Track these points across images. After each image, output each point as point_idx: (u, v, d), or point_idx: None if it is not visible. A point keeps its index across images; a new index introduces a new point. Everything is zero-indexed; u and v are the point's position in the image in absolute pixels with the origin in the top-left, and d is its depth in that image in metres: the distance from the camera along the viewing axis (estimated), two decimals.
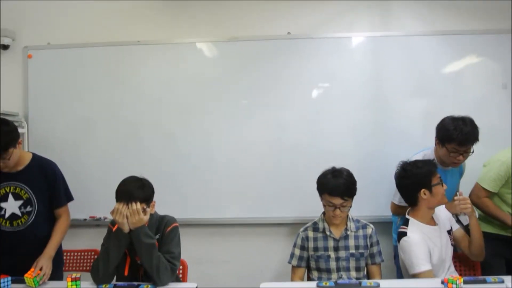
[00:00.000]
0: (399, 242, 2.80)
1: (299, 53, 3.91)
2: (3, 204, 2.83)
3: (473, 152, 3.08)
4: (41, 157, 2.98)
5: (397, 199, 3.16)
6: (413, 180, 2.82)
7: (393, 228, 3.44)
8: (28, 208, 2.83)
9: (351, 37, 3.94)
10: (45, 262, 2.68)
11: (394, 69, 3.87)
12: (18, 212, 2.83)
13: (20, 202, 2.83)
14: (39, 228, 2.83)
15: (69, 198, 3.04)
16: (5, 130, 2.70)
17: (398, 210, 3.22)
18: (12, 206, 2.82)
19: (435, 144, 3.22)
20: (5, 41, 4.02)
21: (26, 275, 2.55)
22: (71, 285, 2.59)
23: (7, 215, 2.82)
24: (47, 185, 2.87)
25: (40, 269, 2.62)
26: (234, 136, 3.93)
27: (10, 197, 2.82)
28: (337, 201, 2.83)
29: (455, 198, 2.85)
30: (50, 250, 2.78)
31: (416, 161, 2.94)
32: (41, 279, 2.58)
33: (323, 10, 3.98)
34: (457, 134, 3.00)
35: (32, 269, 2.60)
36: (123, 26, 4.05)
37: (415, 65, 3.87)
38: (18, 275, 2.72)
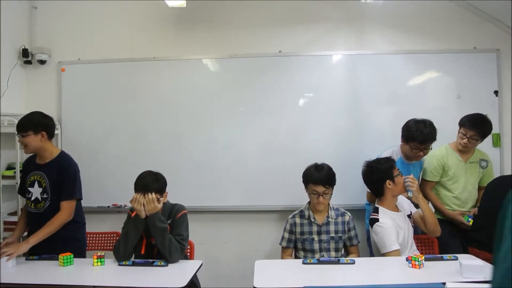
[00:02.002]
0: (371, 226, 2.79)
1: (288, 68, 3.90)
2: (31, 189, 2.87)
3: (431, 149, 3.14)
4: (66, 155, 2.94)
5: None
6: (379, 174, 2.85)
7: (366, 215, 3.44)
8: (45, 195, 2.84)
9: (332, 55, 3.93)
10: (16, 246, 2.60)
11: (367, 82, 3.87)
12: (39, 197, 2.85)
13: (41, 189, 2.85)
14: (53, 213, 2.81)
15: (74, 195, 2.84)
16: (35, 117, 2.83)
17: (372, 198, 3.24)
18: (36, 191, 2.85)
19: (401, 142, 3.26)
20: (43, 57, 3.99)
21: None
22: (97, 262, 2.58)
23: (32, 198, 2.86)
24: (59, 178, 2.84)
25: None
26: (234, 138, 3.91)
27: (36, 184, 2.85)
28: (320, 189, 2.85)
29: (405, 176, 2.89)
30: (30, 238, 2.67)
31: (378, 159, 2.98)
32: None
33: (308, 32, 3.97)
34: (418, 135, 3.07)
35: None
36: (141, 44, 4.03)
37: (385, 79, 3.86)
38: (40, 254, 2.75)
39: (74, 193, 2.85)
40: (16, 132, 2.83)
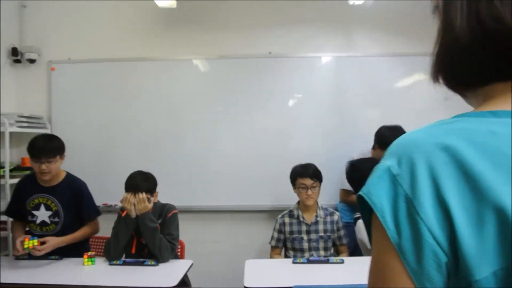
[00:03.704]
0: (356, 225, 2.81)
1: (278, 69, 3.91)
2: (36, 212, 2.76)
3: None
4: (73, 176, 2.87)
5: (346, 186, 3.17)
6: (364, 172, 2.85)
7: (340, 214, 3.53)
8: (56, 219, 2.75)
9: (321, 56, 3.95)
10: (51, 240, 2.58)
11: (355, 84, 3.89)
12: (47, 220, 2.75)
13: (49, 213, 2.75)
14: (64, 234, 2.72)
15: (97, 212, 2.89)
16: (57, 141, 2.73)
17: (346, 197, 3.40)
18: (42, 215, 2.75)
19: (375, 148, 3.32)
20: (32, 56, 3.94)
21: (26, 239, 2.48)
22: (87, 261, 2.56)
23: (38, 221, 2.75)
24: (74, 200, 2.78)
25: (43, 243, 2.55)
26: (223, 138, 3.90)
27: (42, 207, 2.74)
28: (308, 181, 2.89)
29: None
30: (63, 237, 2.67)
31: (361, 159, 3.01)
32: (29, 246, 2.46)
33: (298, 34, 3.98)
34: (394, 140, 3.08)
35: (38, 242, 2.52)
36: (131, 44, 4.00)
37: (372, 81, 3.89)
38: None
39: (96, 211, 2.88)
40: (35, 156, 2.63)
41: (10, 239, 3.35)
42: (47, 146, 2.64)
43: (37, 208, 2.75)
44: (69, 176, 2.85)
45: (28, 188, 2.79)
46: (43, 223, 2.76)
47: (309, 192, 2.88)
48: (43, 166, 2.61)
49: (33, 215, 2.76)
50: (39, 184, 2.75)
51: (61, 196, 2.76)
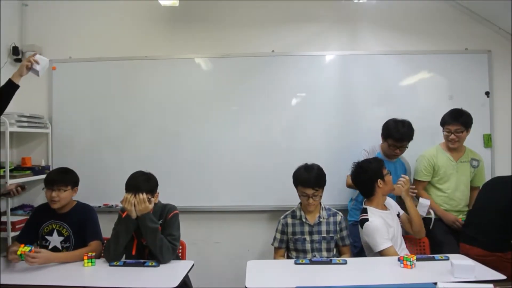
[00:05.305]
0: (361, 227, 2.80)
1: (281, 68, 3.90)
2: (49, 237, 2.81)
3: (407, 147, 3.29)
4: (82, 204, 2.94)
5: None
6: (370, 174, 2.87)
7: (349, 213, 3.55)
8: (67, 244, 2.80)
9: (325, 55, 3.94)
10: (45, 253, 2.52)
11: (360, 82, 3.88)
12: (59, 246, 2.80)
13: (61, 238, 2.81)
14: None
15: (97, 236, 2.83)
16: (71, 175, 2.87)
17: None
18: (55, 240, 2.80)
19: (382, 140, 3.39)
20: None
21: (22, 245, 2.45)
22: (87, 262, 2.56)
23: (50, 247, 2.79)
24: (83, 225, 2.82)
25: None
26: (226, 138, 3.90)
27: (55, 233, 2.81)
28: (309, 191, 2.87)
29: (402, 175, 3.04)
30: (58, 253, 2.66)
31: (367, 160, 3.03)
32: (22, 252, 2.40)
33: (302, 32, 3.97)
34: (395, 133, 3.22)
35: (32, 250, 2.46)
36: (133, 43, 4.01)
37: (377, 79, 3.88)
38: None
39: (96, 236, 2.83)
40: (48, 184, 2.76)
41: (10, 240, 3.36)
42: (60, 176, 2.80)
43: (50, 233, 2.82)
44: (79, 204, 2.93)
45: (42, 215, 2.87)
46: (55, 248, 2.79)
47: (310, 200, 2.87)
48: (54, 194, 2.74)
49: (46, 240, 2.82)
50: (53, 210, 2.81)
51: (72, 222, 2.83)
